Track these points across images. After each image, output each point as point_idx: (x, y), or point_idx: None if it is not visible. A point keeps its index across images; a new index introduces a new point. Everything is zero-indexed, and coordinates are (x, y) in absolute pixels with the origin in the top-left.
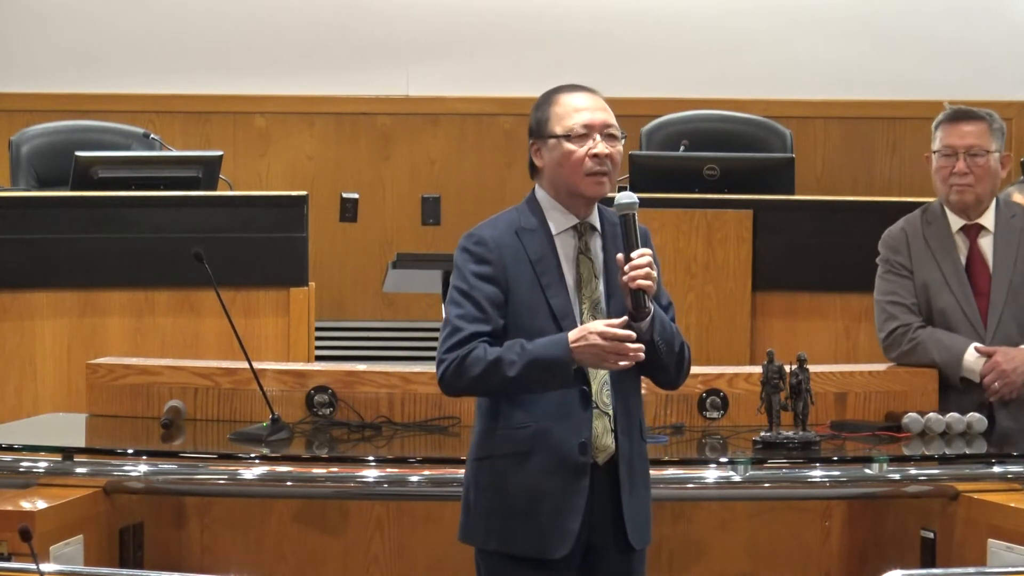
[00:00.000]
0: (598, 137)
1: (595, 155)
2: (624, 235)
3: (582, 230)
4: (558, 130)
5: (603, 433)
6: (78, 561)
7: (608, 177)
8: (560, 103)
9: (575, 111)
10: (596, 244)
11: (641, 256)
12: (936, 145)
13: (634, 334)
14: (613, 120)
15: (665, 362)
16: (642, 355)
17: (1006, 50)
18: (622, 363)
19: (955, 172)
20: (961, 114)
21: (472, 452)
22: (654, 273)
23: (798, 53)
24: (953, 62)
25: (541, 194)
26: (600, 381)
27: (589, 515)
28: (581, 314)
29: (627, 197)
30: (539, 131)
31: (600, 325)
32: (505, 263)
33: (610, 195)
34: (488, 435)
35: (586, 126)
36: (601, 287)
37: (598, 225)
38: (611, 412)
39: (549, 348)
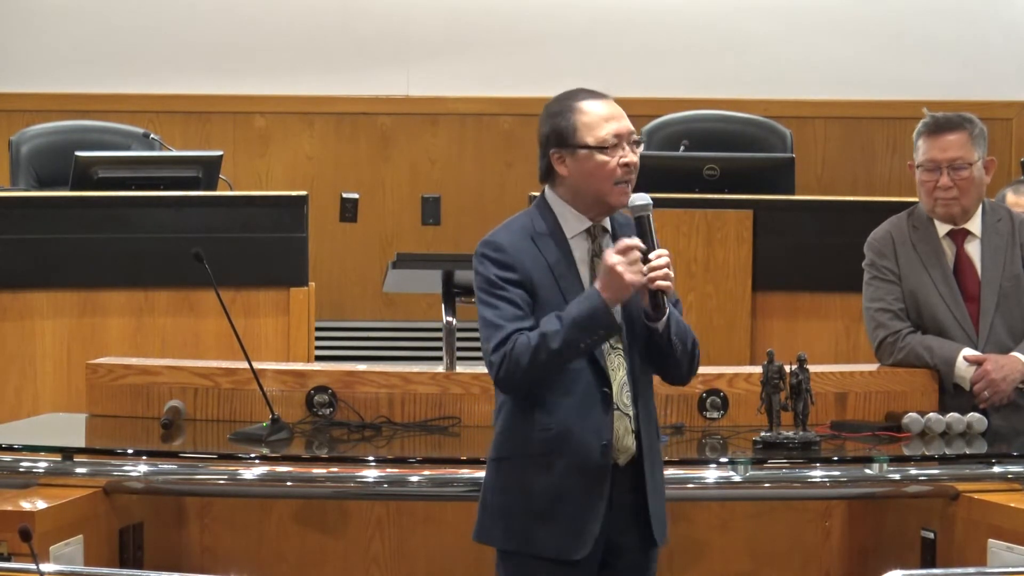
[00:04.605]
0: (627, 147)
1: (625, 164)
2: (640, 237)
3: (595, 233)
4: (590, 140)
5: (624, 434)
6: (78, 561)
7: (631, 185)
8: (585, 112)
9: (604, 120)
10: (609, 246)
11: (659, 257)
12: (919, 158)
13: (640, 242)
14: (632, 127)
15: (679, 358)
16: (666, 262)
17: (1006, 50)
18: (639, 279)
19: (939, 187)
20: (941, 124)
21: (492, 452)
22: (672, 273)
23: (798, 53)
24: (953, 62)
25: (553, 198)
26: (620, 382)
27: (609, 516)
28: None
29: (641, 199)
30: (564, 140)
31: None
32: (526, 267)
33: None
34: (509, 435)
35: (617, 136)
36: None
37: (609, 226)
38: (631, 413)
39: (582, 303)
